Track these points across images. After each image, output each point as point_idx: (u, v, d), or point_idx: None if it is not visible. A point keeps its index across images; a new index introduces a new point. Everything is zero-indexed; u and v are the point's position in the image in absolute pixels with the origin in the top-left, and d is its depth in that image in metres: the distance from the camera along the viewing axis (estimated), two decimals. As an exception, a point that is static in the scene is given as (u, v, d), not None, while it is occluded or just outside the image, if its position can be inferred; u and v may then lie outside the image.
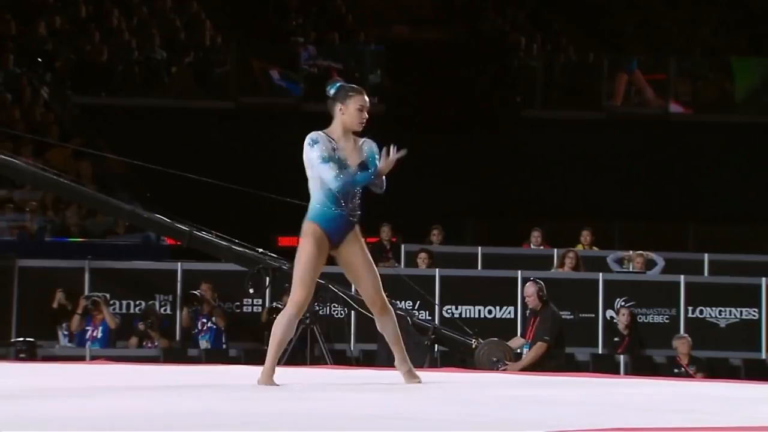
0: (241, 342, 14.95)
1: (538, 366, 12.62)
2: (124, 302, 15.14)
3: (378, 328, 7.10)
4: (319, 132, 6.97)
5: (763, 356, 14.94)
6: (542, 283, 13.44)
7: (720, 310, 15.35)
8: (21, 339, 14.07)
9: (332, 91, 7.00)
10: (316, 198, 6.95)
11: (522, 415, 5.12)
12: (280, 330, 6.82)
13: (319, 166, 6.85)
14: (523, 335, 13.53)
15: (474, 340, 13.24)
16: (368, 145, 7.04)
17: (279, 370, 6.94)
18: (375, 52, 21.98)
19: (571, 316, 15.34)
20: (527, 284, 13.32)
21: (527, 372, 12.07)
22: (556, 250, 17.04)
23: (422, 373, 7.23)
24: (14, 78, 20.26)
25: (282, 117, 20.62)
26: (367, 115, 7.00)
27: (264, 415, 5.00)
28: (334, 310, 14.75)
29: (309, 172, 6.95)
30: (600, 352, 15.25)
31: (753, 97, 21.92)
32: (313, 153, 6.87)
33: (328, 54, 21.79)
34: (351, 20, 23.10)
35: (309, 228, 6.95)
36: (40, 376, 7.76)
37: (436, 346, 13.67)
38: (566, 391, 7.03)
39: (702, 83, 22.12)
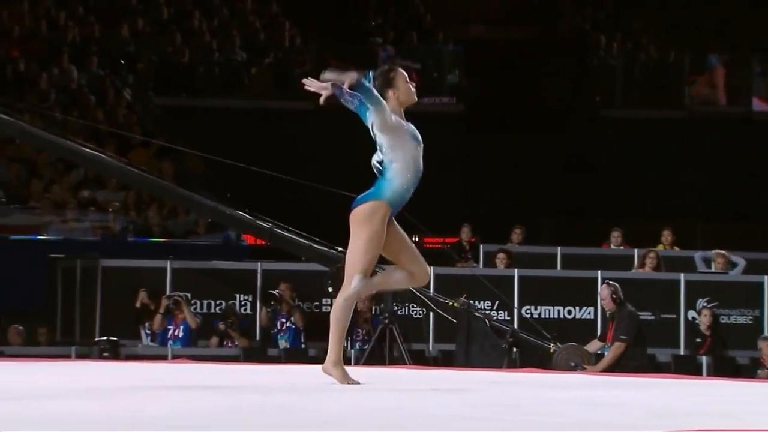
0: (320, 341, 15.01)
1: (618, 367, 12.57)
2: (205, 302, 15.27)
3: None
4: None
5: None
6: (616, 284, 13.38)
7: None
8: (104, 338, 14.24)
9: (370, 82, 6.68)
10: (399, 178, 6.58)
11: (596, 416, 5.10)
12: (341, 312, 6.63)
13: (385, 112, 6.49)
14: (602, 339, 13.46)
15: (552, 344, 13.20)
16: None
17: (359, 370, 6.96)
18: (453, 52, 21.98)
19: (652, 317, 15.22)
20: (601, 287, 13.28)
21: (607, 373, 12.01)
22: (636, 250, 16.93)
23: (500, 374, 7.21)
24: (98, 80, 20.54)
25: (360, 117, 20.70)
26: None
27: (340, 414, 5.03)
28: (412, 310, 14.76)
29: (389, 150, 6.60)
30: (681, 353, 15.11)
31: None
32: (385, 111, 6.55)
33: (406, 54, 21.82)
34: (429, 20, 23.11)
35: (380, 208, 6.62)
36: (124, 375, 7.86)
37: (513, 348, 13.64)
38: (645, 392, 6.98)
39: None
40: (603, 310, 14.19)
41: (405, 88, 6.72)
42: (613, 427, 4.51)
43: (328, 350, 6.67)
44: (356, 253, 6.61)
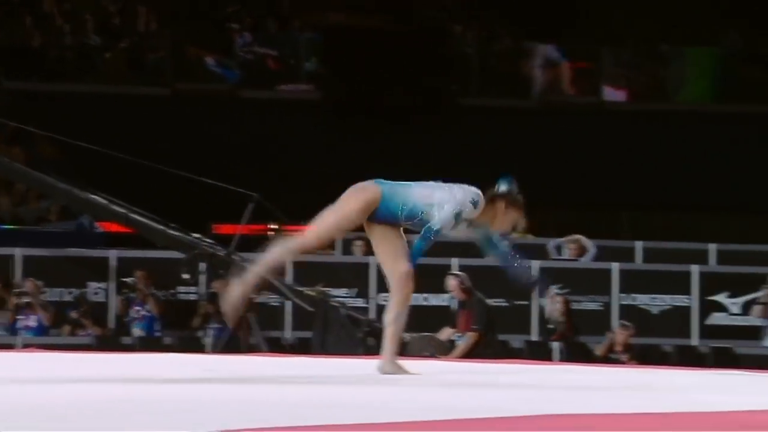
0: (176, 330, 14.88)
1: (472, 355, 12.71)
2: (57, 290, 15.00)
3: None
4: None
5: (694, 342, 15.10)
6: (463, 274, 13.55)
7: (653, 297, 15.49)
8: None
9: (506, 187, 6.78)
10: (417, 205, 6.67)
11: (454, 402, 5.13)
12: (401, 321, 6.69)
13: (447, 213, 6.59)
14: (453, 326, 13.61)
15: (407, 335, 13.27)
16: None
17: (215, 358, 6.90)
18: (311, 40, 21.92)
19: (506, 304, 15.42)
20: (449, 278, 13.41)
21: (462, 359, 12.14)
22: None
23: (360, 361, 7.23)
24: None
25: (217, 103, 20.53)
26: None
27: (191, 401, 4.97)
28: (270, 298, 14.71)
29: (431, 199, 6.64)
30: (534, 339, 15.35)
31: (689, 85, 22.13)
32: (450, 209, 6.62)
33: (263, 41, 21.69)
34: (287, 7, 23.01)
35: (371, 187, 6.71)
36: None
37: (368, 339, 13.69)
38: (499, 377, 7.06)
39: (636, 72, 22.28)
40: (458, 296, 14.33)
41: (510, 220, 6.93)
42: (456, 412, 4.54)
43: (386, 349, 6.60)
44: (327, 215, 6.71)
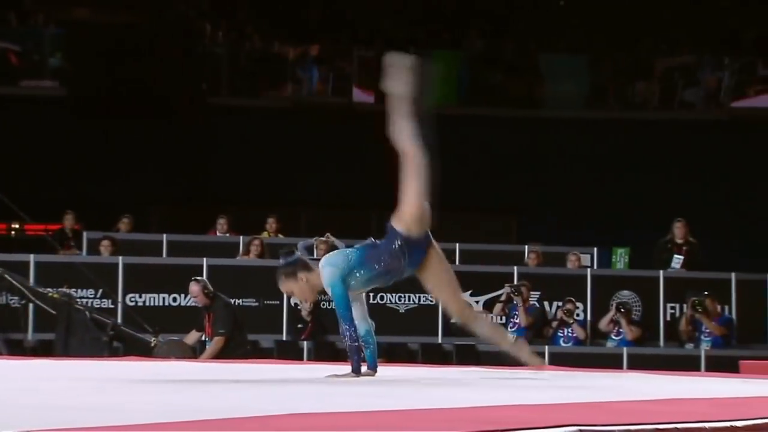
0: None
1: (221, 357, 12.59)
2: None
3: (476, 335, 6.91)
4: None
5: (440, 340, 15.40)
6: (204, 279, 13.45)
7: (400, 296, 15.72)
8: None
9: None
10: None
11: (197, 402, 5.06)
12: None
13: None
14: (200, 329, 13.47)
15: (154, 339, 13.08)
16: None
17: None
18: (55, 35, 21.35)
19: (256, 303, 15.38)
20: (190, 284, 13.26)
21: (211, 360, 12.04)
22: (242, 237, 17.06)
23: (104, 362, 7.07)
24: None
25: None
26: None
27: None
28: (10, 300, 14.25)
29: None
30: (284, 338, 15.36)
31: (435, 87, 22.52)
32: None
33: (5, 36, 21.00)
34: (29, 1, 22.34)
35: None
36: None
37: (114, 342, 13.41)
38: (246, 377, 7.02)
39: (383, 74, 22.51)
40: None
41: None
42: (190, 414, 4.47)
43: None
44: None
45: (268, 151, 21.73)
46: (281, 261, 6.75)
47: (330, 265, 6.62)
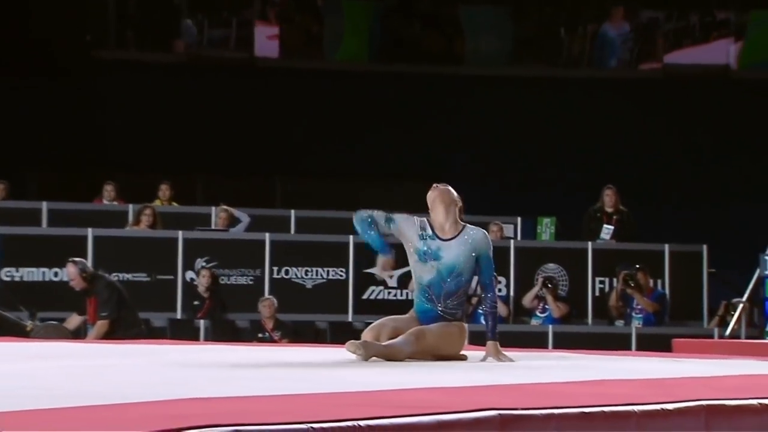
0: None
1: (114, 337, 12.46)
2: None
3: None
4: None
5: (350, 318, 15.41)
6: (83, 260, 13.30)
7: (306, 270, 15.71)
8: None
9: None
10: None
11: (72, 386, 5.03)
12: None
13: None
14: (82, 312, 13.33)
15: (30, 322, 12.94)
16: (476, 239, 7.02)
17: None
18: None
19: (148, 279, 15.30)
20: (67, 265, 13.10)
21: (94, 341, 11.95)
22: (131, 205, 16.94)
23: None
24: None
25: None
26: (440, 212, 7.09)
27: None
28: None
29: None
30: (179, 317, 15.30)
31: (347, 41, 22.45)
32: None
33: None
34: None
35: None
36: None
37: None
38: (131, 359, 6.98)
39: (288, 26, 22.39)
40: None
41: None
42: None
43: None
44: None
45: (160, 110, 21.53)
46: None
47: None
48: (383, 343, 6.87)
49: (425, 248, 6.98)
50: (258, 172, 21.75)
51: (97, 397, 4.46)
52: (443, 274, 6.96)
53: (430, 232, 7.01)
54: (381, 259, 7.09)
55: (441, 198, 7.00)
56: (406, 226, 7.04)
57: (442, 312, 7.05)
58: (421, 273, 7.04)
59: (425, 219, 7.09)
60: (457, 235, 6.99)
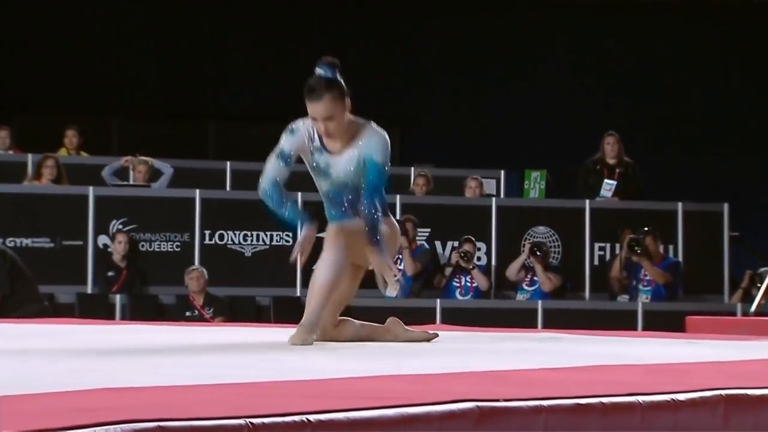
0: None
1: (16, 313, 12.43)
2: None
3: None
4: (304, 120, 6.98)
5: (298, 293, 15.38)
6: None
7: (245, 235, 15.71)
8: None
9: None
10: None
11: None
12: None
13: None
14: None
15: None
16: (367, 144, 6.89)
17: None
18: None
19: (52, 245, 15.30)
20: None
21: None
22: (30, 155, 16.90)
23: None
24: None
25: None
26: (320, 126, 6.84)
27: None
28: None
29: None
30: (89, 291, 15.30)
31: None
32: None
33: None
34: None
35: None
36: None
37: None
38: (29, 342, 7.00)
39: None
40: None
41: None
42: None
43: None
44: None
45: (65, 37, 21.43)
46: (323, 70, 6.82)
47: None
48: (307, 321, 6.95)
49: (314, 163, 7.02)
50: (186, 114, 21.71)
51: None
52: (339, 189, 6.99)
53: (317, 143, 6.99)
54: (304, 232, 7.00)
55: (317, 115, 6.90)
56: (299, 147, 7.02)
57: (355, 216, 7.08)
58: (318, 182, 7.08)
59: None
60: (349, 144, 6.95)
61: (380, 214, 6.86)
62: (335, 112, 6.81)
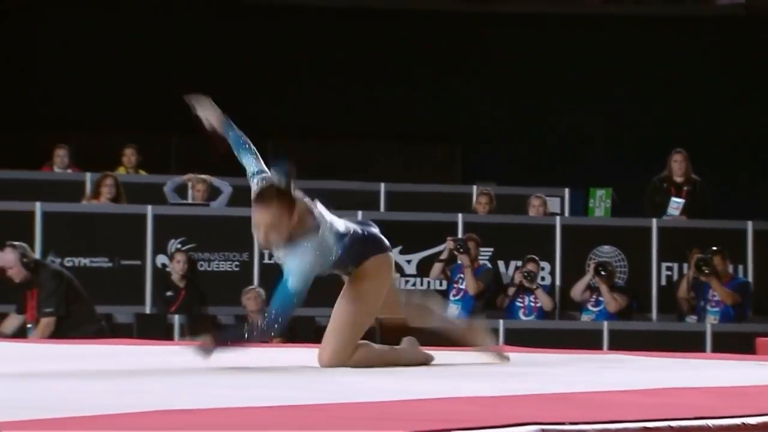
0: None
1: (71, 334, 12.50)
2: None
3: None
4: None
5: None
6: (24, 245, 13.30)
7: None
8: None
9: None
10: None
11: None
12: None
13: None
14: (21, 311, 13.34)
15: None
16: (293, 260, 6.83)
17: None
18: None
19: (110, 264, 15.35)
20: (5, 251, 13.06)
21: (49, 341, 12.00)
22: (89, 174, 16.97)
23: None
24: None
25: None
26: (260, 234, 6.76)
27: None
28: None
29: None
30: (148, 311, 15.34)
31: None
32: None
33: None
34: None
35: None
36: None
37: None
38: (86, 363, 7.02)
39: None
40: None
41: None
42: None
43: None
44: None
45: (123, 55, 21.55)
46: (274, 171, 6.76)
47: (317, 249, 6.68)
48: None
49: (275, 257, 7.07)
50: (245, 132, 21.72)
51: (42, 409, 4.49)
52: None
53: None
54: None
55: (260, 223, 6.82)
56: None
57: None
58: None
59: None
60: (293, 243, 6.86)
61: (266, 332, 6.72)
62: (279, 225, 6.75)
